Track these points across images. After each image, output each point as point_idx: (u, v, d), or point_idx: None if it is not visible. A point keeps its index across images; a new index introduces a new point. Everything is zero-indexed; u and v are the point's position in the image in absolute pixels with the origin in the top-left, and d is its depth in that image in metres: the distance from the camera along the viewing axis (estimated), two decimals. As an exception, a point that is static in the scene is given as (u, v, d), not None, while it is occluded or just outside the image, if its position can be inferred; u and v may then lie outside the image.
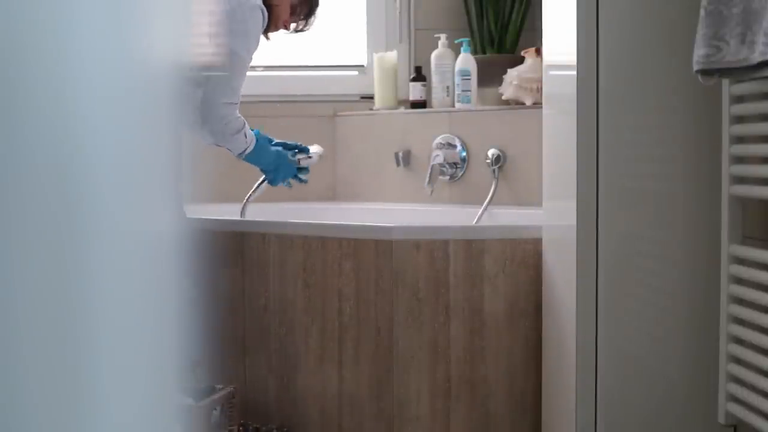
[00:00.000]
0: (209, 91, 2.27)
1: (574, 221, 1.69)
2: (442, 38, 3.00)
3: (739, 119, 1.52)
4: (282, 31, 2.50)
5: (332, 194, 3.21)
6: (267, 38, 2.47)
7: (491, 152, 2.82)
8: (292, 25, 2.52)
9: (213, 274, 2.28)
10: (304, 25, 2.57)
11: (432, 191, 2.85)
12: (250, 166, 2.49)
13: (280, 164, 2.48)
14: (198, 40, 2.21)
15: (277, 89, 3.12)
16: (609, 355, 1.68)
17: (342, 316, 2.22)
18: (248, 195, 2.63)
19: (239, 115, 2.32)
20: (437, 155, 2.91)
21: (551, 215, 1.98)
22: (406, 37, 3.22)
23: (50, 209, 0.39)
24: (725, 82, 1.52)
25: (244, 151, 2.38)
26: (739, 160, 1.52)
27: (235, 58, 2.27)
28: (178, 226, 0.44)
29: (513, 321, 2.12)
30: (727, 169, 1.52)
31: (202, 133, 2.33)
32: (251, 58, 2.34)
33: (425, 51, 3.08)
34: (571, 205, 1.70)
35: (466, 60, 2.93)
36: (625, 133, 1.67)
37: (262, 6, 2.31)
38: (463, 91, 2.92)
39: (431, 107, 3.03)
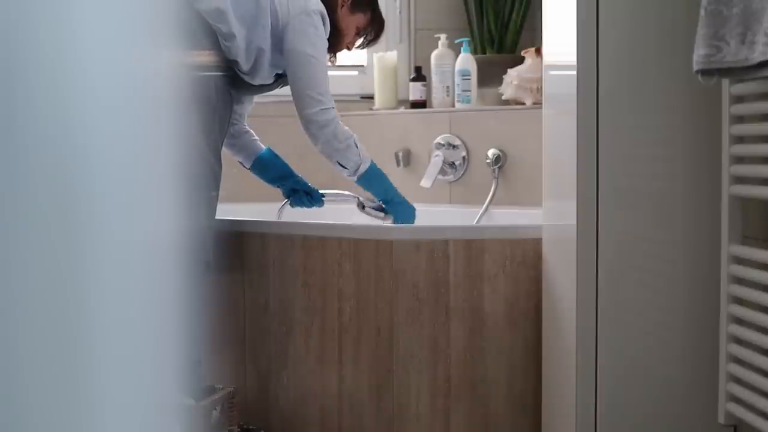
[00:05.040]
0: (299, 107, 2.29)
1: (574, 221, 1.69)
2: (442, 38, 3.00)
3: (739, 119, 1.52)
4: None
5: (332, 194, 3.20)
6: (333, 59, 2.46)
7: (491, 152, 2.82)
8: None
9: (213, 275, 2.28)
10: (366, 46, 2.58)
11: (432, 184, 2.85)
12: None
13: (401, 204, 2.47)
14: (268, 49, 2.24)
15: (278, 89, 3.11)
16: (609, 355, 1.68)
17: (342, 316, 2.21)
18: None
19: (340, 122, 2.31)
20: (437, 155, 2.92)
21: (551, 215, 1.97)
22: (406, 37, 3.22)
23: (51, 210, 0.39)
24: (725, 82, 1.52)
25: (358, 168, 2.38)
26: (739, 160, 1.52)
27: (314, 62, 2.27)
28: (183, 227, 0.44)
29: (513, 321, 2.12)
30: (727, 169, 1.52)
31: (329, 155, 2.33)
32: (326, 60, 2.34)
33: (425, 51, 3.08)
34: (571, 205, 1.69)
35: (466, 60, 2.93)
36: (624, 133, 1.67)
37: (324, 12, 2.31)
38: (463, 91, 2.92)
39: (431, 107, 3.03)
